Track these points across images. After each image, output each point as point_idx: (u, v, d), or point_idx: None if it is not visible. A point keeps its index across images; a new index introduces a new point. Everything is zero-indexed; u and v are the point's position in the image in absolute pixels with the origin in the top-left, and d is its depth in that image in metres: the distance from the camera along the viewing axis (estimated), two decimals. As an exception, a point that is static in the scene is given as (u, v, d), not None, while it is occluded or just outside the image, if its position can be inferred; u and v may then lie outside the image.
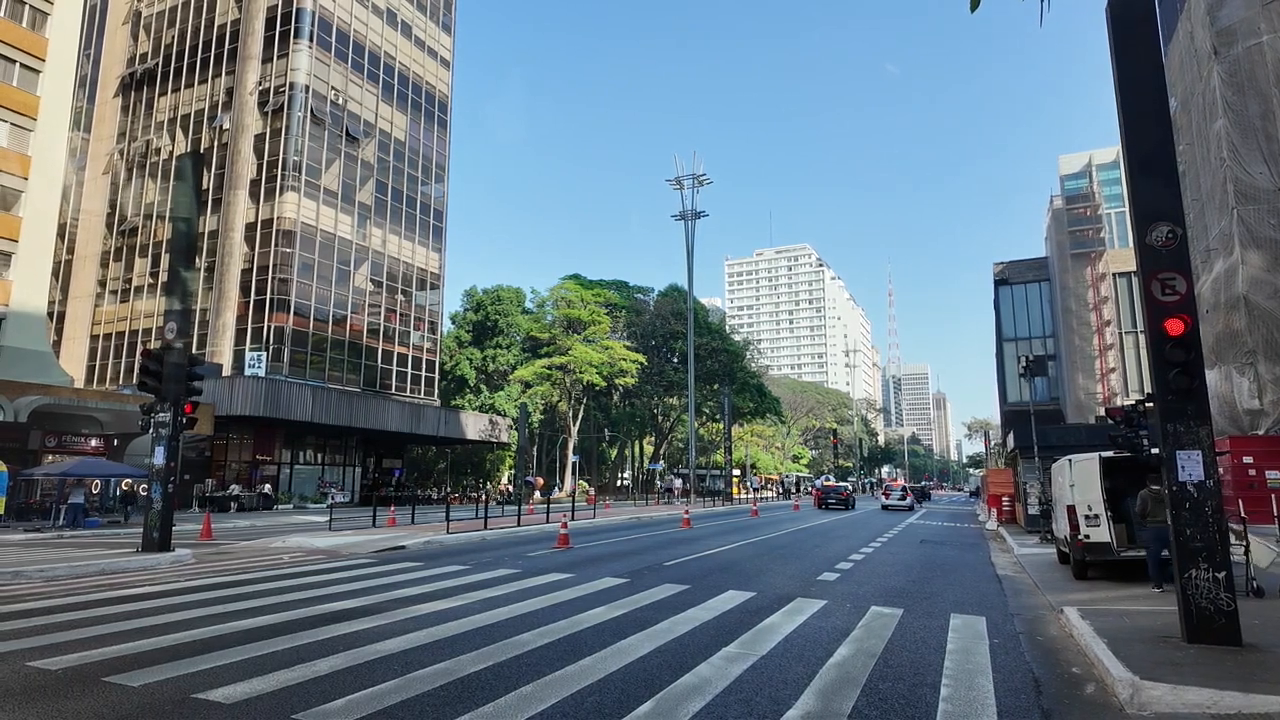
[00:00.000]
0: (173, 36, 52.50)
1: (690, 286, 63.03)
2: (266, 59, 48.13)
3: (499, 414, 58.68)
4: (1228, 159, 21.07)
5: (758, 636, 8.13)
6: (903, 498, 46.02)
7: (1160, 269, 7.85)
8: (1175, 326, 7.70)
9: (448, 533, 20.10)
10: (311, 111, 47.03)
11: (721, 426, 73.45)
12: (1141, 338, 27.48)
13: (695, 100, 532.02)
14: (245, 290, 45.23)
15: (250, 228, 46.01)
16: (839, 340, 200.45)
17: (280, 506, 38.29)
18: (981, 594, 11.80)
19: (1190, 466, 7.48)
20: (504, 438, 55.55)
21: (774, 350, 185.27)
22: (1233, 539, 9.20)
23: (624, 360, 62.83)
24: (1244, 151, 20.87)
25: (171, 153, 50.15)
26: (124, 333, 49.45)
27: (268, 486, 38.74)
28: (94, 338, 50.98)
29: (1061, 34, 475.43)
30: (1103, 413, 33.30)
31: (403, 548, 17.22)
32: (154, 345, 32.73)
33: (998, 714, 5.61)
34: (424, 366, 55.44)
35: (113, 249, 51.41)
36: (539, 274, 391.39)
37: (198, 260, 42.37)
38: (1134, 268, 14.94)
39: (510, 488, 54.98)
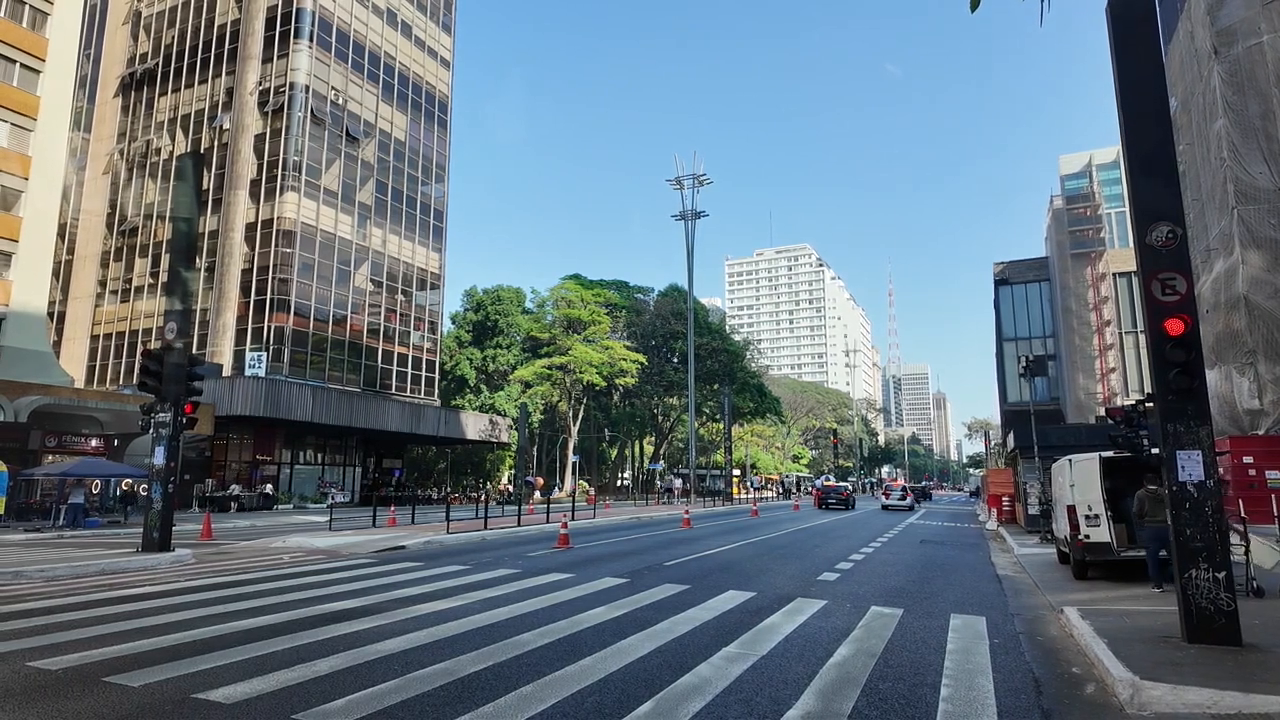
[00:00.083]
0: (173, 36, 52.51)
1: (690, 286, 63.05)
2: (266, 59, 48.15)
3: (499, 414, 58.68)
4: (1228, 159, 21.09)
5: (758, 636, 8.13)
6: (903, 498, 45.98)
7: (1160, 269, 7.85)
8: (1175, 326, 7.70)
9: (448, 533, 20.10)
10: (311, 111, 47.04)
11: (721, 426, 73.46)
12: (1142, 338, 27.44)
13: (695, 100, 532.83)
14: (245, 290, 45.24)
15: (250, 228, 46.02)
16: (839, 340, 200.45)
17: (280, 506, 38.29)
18: (981, 594, 11.80)
19: (1190, 466, 7.48)
20: (504, 438, 55.56)
21: (774, 350, 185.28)
22: (1233, 539, 9.20)
23: (624, 360, 62.84)
24: (1244, 151, 20.88)
25: (171, 153, 50.17)
26: (124, 333, 49.46)
27: (268, 486, 38.74)
28: (94, 338, 50.99)
29: (1061, 34, 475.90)
30: (1103, 413, 33.29)
31: (403, 548, 17.22)
32: (154, 345, 32.78)
33: (998, 714, 5.61)
34: (424, 366, 55.44)
35: (113, 249, 51.42)
36: (539, 274, 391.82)
37: (198, 260, 42.38)
38: (1134, 268, 14.93)
39: (510, 488, 54.99)
